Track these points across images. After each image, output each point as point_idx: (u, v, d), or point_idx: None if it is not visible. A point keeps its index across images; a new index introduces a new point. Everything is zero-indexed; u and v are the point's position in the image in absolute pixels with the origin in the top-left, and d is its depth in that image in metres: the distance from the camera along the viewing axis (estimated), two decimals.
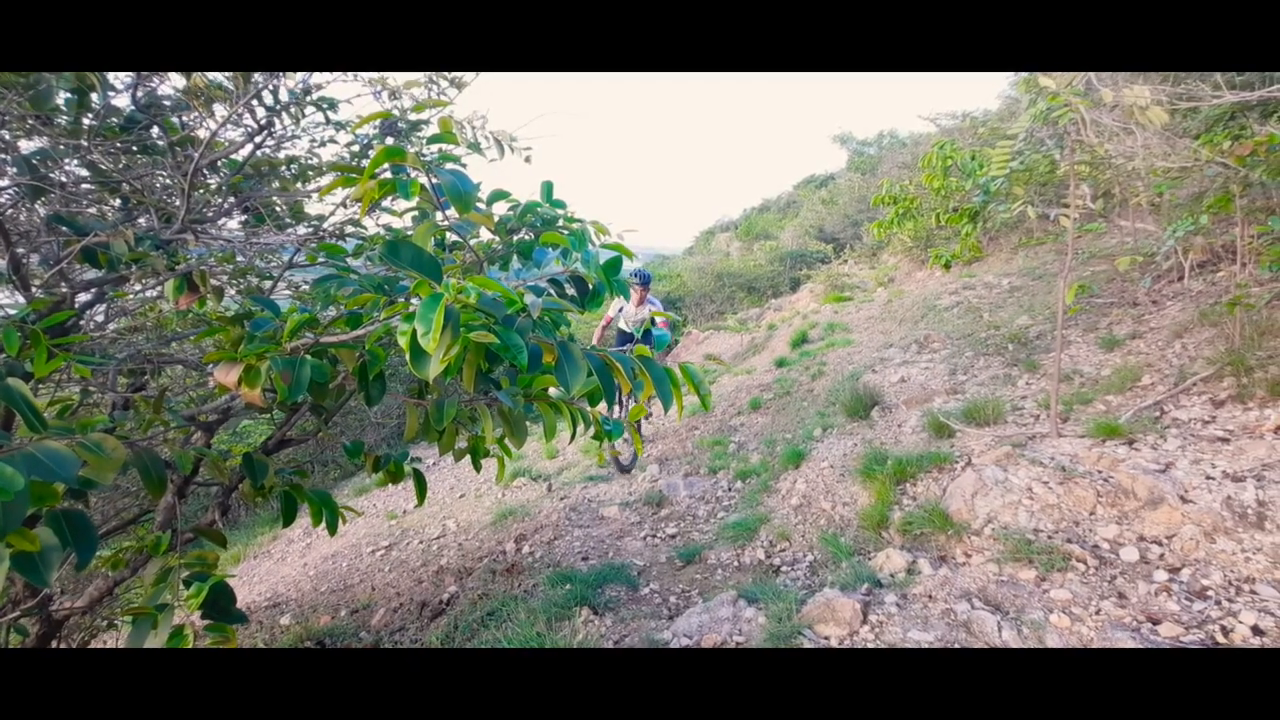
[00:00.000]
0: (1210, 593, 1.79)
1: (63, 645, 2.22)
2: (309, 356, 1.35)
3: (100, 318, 2.12)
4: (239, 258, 1.69)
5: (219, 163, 1.64)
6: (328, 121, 1.75)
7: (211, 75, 1.48)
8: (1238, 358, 2.86)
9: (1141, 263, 4.29)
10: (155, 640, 1.32)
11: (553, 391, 1.75)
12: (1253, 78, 3.68)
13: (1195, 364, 3.14)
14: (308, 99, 1.55)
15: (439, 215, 1.39)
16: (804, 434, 4.11)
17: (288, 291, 2.18)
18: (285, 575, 4.72)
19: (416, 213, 1.80)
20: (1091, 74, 2.64)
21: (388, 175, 1.17)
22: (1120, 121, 3.57)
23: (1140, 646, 1.64)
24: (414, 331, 1.08)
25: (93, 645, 2.39)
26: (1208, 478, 2.20)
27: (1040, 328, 4.68)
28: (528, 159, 1.48)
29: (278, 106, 1.56)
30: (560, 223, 1.77)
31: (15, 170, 1.40)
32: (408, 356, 1.11)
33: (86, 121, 1.59)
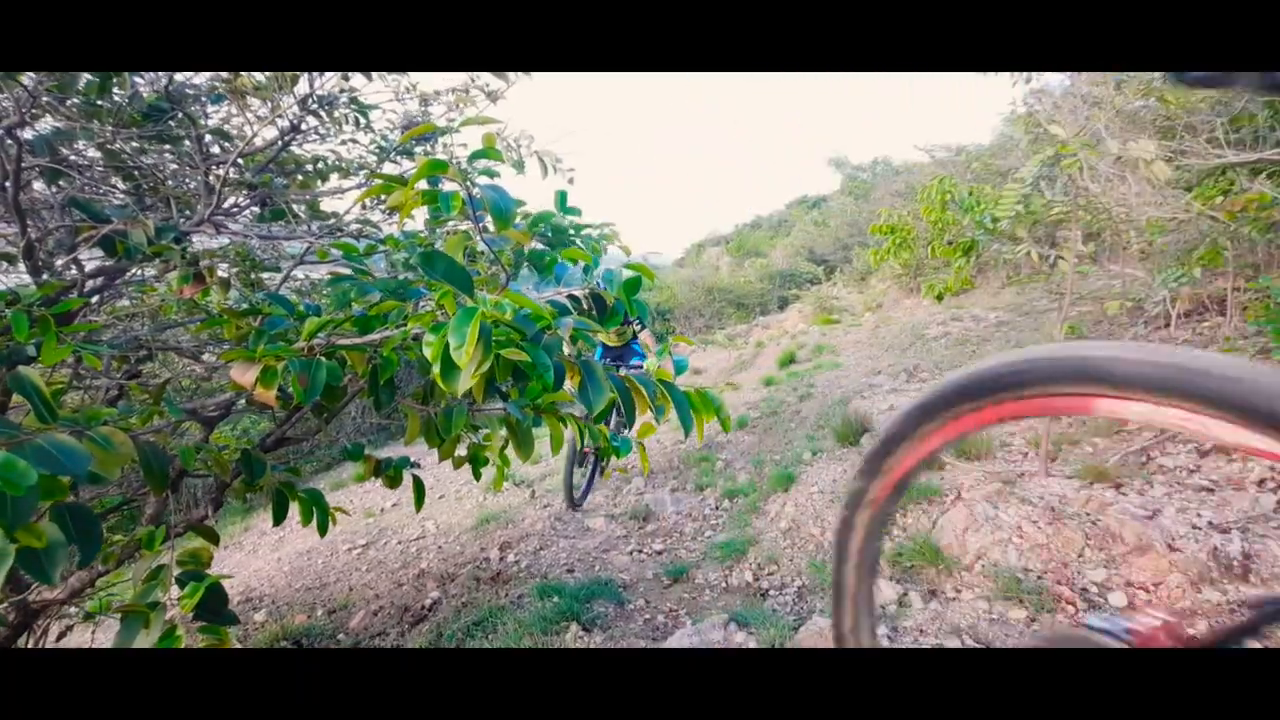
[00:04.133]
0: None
1: (38, 635, 2.15)
2: (323, 359, 1.33)
3: (95, 299, 2.08)
4: (253, 250, 1.67)
5: (240, 159, 1.62)
6: (358, 125, 1.74)
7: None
8: None
9: (1129, 308, 4.40)
10: (147, 639, 1.28)
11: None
12: (1245, 135, 3.80)
13: None
14: (351, 105, 1.53)
15: (468, 226, 1.39)
16: (793, 456, 4.13)
17: (291, 286, 2.16)
18: (258, 569, 4.63)
19: (429, 216, 1.80)
20: (1100, 125, 2.71)
21: (424, 185, 1.17)
22: (1116, 170, 3.67)
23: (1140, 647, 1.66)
24: (445, 344, 1.07)
25: (69, 636, 2.33)
26: (1194, 527, 2.24)
27: None
28: (571, 180, 1.48)
29: (312, 105, 1.54)
30: (572, 230, 1.77)
31: (33, 151, 1.37)
32: (436, 369, 1.10)
33: (104, 105, 1.57)
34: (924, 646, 1.96)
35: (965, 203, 5.64)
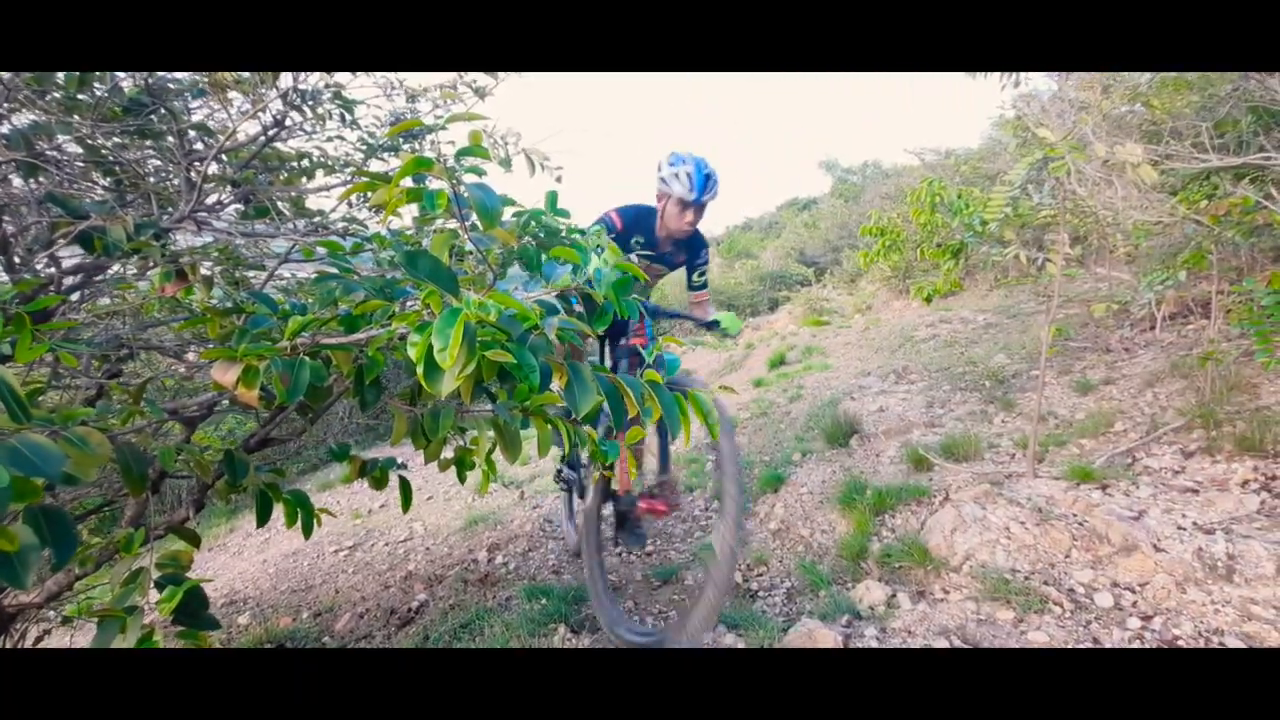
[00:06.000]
0: (1181, 643, 1.83)
1: (16, 639, 2.12)
2: (306, 358, 1.31)
3: (74, 297, 2.05)
4: (237, 248, 1.64)
5: (223, 155, 1.60)
6: (344, 121, 1.72)
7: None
8: (1207, 411, 2.96)
9: (1115, 310, 4.43)
10: (123, 644, 1.26)
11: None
12: (1229, 140, 3.84)
13: (1166, 414, 3.24)
14: (336, 101, 1.51)
15: (455, 224, 1.37)
16: (782, 457, 4.13)
17: (276, 285, 2.13)
18: (243, 571, 4.58)
19: (418, 214, 1.78)
20: (1088, 129, 2.72)
21: (410, 183, 1.15)
22: (1103, 173, 3.70)
23: (1140, 646, 1.68)
24: (429, 345, 1.05)
25: (47, 640, 2.29)
26: (1179, 528, 2.26)
27: (1016, 366, 4.79)
28: (559, 179, 1.46)
29: (297, 101, 1.52)
30: (564, 233, 1.75)
31: (9, 145, 1.34)
32: (420, 369, 1.08)
33: (84, 99, 1.53)
34: (911, 647, 1.96)
35: (954, 205, 5.67)
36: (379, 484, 1.91)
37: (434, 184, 1.23)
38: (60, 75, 1.50)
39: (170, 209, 1.56)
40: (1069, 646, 1.88)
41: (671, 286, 16.03)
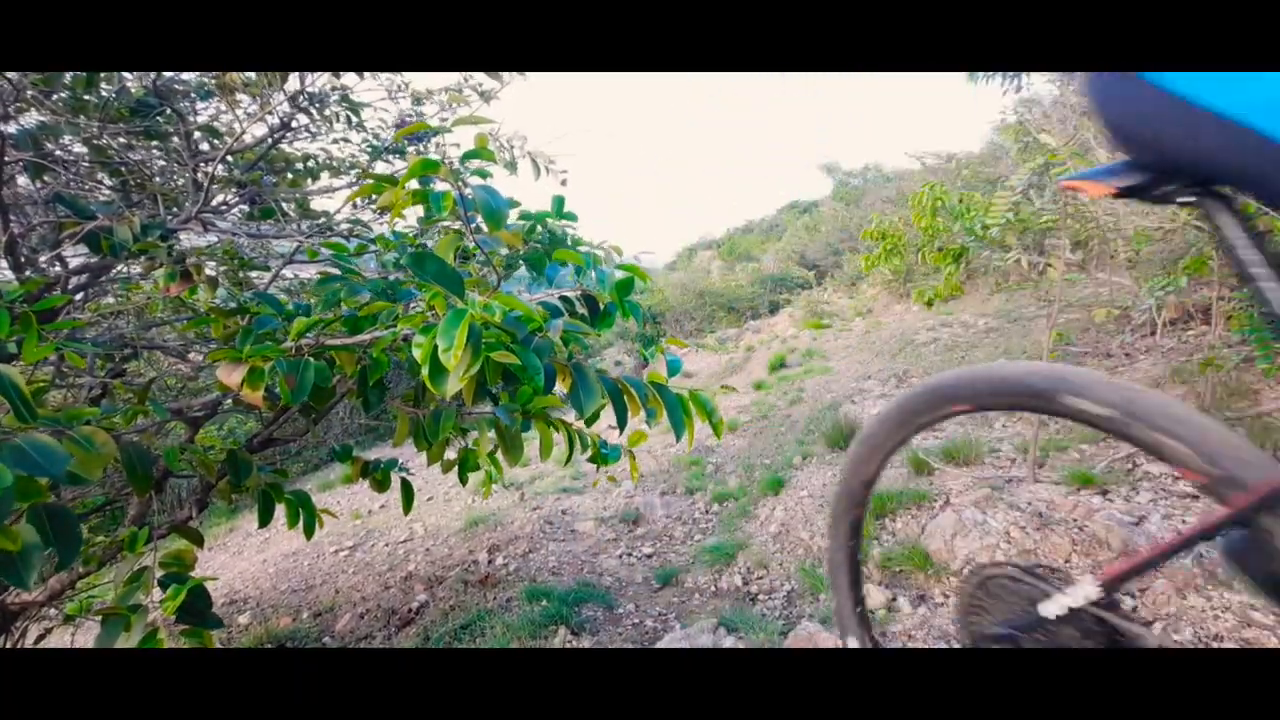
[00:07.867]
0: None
1: (16, 638, 2.12)
2: (311, 359, 1.32)
3: (79, 296, 2.05)
4: (241, 249, 1.65)
5: (229, 156, 1.61)
6: (349, 123, 1.73)
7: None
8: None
9: (1117, 315, 4.44)
10: (127, 642, 1.26)
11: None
12: None
13: None
14: (343, 104, 1.52)
15: (460, 226, 1.38)
16: (784, 461, 4.14)
17: (279, 285, 2.13)
18: (243, 570, 4.58)
19: (422, 215, 1.78)
20: (1090, 134, 2.73)
21: (415, 185, 1.16)
22: None
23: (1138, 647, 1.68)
24: (434, 346, 1.06)
25: (48, 639, 2.29)
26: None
27: None
28: (564, 182, 1.47)
29: (303, 103, 1.53)
30: (570, 240, 1.75)
31: (16, 145, 1.35)
32: (425, 371, 1.08)
33: (91, 99, 1.54)
34: (912, 648, 1.96)
35: (955, 210, 5.67)
36: (381, 486, 1.92)
37: (440, 186, 1.23)
38: (67, 76, 1.51)
39: (176, 209, 1.57)
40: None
41: (676, 292, 15.93)
